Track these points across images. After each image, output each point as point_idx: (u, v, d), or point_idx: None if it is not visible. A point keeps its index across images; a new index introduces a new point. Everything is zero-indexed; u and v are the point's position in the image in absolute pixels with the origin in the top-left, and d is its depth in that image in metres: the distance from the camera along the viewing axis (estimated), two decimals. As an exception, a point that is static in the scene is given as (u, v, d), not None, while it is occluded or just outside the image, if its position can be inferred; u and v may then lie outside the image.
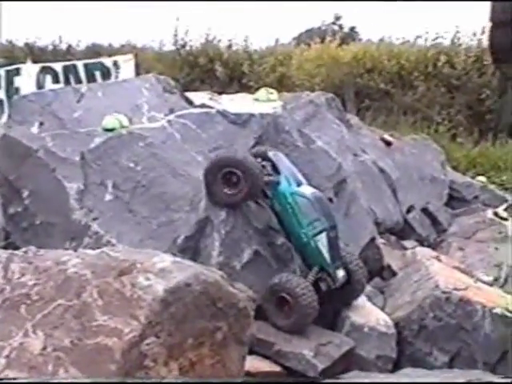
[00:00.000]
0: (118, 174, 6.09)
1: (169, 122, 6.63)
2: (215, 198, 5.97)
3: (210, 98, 7.40)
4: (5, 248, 5.48)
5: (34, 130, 6.42)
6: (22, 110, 6.66)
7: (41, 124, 6.47)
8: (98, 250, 4.48)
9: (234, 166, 5.88)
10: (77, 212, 5.89)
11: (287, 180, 6.07)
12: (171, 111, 6.81)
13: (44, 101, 6.75)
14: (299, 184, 6.11)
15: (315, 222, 5.92)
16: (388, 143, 9.56)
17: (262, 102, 7.49)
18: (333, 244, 5.97)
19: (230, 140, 6.59)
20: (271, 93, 7.73)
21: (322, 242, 5.91)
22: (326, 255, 5.92)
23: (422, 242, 8.59)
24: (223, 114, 6.87)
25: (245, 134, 6.76)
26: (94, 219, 5.85)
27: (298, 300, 5.62)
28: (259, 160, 6.20)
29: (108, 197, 6.00)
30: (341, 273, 6.02)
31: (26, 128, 6.45)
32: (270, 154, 6.30)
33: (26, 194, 6.15)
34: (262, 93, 7.74)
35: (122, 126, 6.43)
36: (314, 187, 6.24)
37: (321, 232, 5.92)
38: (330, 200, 6.83)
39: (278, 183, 6.07)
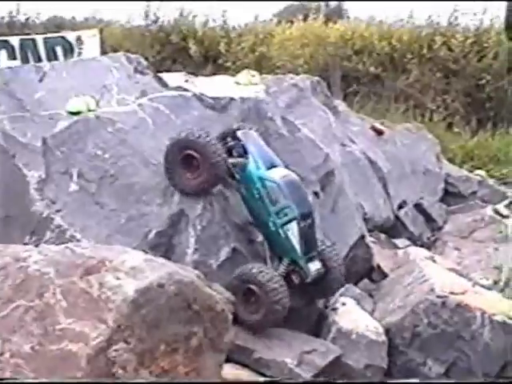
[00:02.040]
0: (83, 163, 6.04)
1: (140, 105, 6.58)
2: (176, 183, 5.96)
3: (186, 80, 7.37)
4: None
5: (-10, 112, 6.36)
6: (-26, 90, 6.60)
7: (-3, 105, 6.42)
8: (62, 246, 4.47)
9: (193, 148, 5.85)
10: (38, 203, 5.83)
11: (255, 163, 5.98)
12: (143, 94, 6.76)
13: (1, 79, 6.68)
14: (270, 167, 6.03)
15: (285, 209, 5.83)
16: (379, 132, 9.55)
17: (243, 86, 7.48)
18: (305, 234, 5.88)
19: (207, 126, 6.52)
20: (253, 75, 7.72)
21: (293, 231, 5.83)
22: (297, 246, 5.84)
23: (414, 241, 8.60)
24: (200, 97, 6.82)
25: (224, 120, 6.71)
26: (57, 211, 5.80)
27: (265, 290, 5.56)
28: (229, 139, 6.19)
29: (72, 187, 5.95)
30: (314, 266, 5.94)
31: (-20, 110, 6.39)
32: (239, 133, 6.23)
33: (-20, 182, 6.11)
34: (244, 75, 7.74)
35: (89, 110, 6.38)
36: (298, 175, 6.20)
37: (291, 221, 5.85)
38: (316, 194, 6.83)
39: (245, 166, 6.02)
